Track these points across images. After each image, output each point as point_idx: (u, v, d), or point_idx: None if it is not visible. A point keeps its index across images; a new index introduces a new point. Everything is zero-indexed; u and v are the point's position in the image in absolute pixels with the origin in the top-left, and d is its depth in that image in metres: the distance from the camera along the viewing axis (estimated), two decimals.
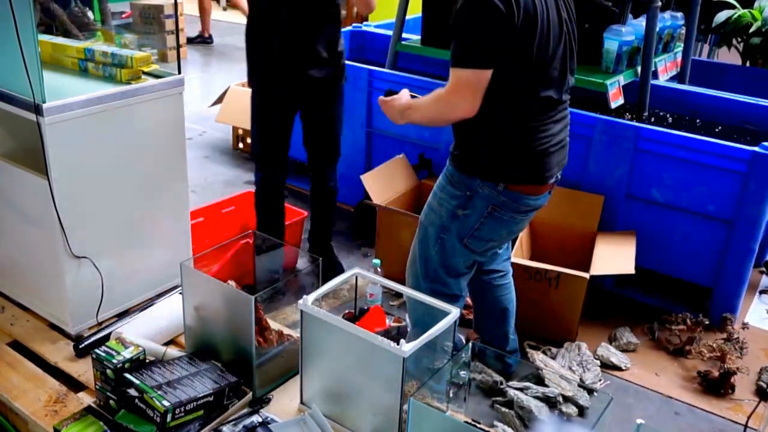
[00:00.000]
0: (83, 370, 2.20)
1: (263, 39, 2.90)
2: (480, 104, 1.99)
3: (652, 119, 3.40)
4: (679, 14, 3.78)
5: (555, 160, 2.17)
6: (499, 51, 1.96)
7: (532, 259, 3.02)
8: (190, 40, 7.60)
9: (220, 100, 4.92)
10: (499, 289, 2.51)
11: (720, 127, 3.36)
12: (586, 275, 2.73)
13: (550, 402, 2.25)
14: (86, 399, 2.09)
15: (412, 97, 2.21)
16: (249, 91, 4.87)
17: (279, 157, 3.11)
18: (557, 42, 2.04)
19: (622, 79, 3.24)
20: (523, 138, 2.08)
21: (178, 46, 5.76)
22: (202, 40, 7.77)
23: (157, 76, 2.48)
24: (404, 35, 3.80)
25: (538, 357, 2.70)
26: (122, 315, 2.47)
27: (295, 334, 2.18)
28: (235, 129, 4.84)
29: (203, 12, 7.67)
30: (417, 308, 2.29)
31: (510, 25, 1.92)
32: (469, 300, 2.88)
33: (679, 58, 3.88)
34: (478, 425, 1.93)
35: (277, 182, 3.15)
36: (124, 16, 6.49)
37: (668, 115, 3.52)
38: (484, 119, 2.05)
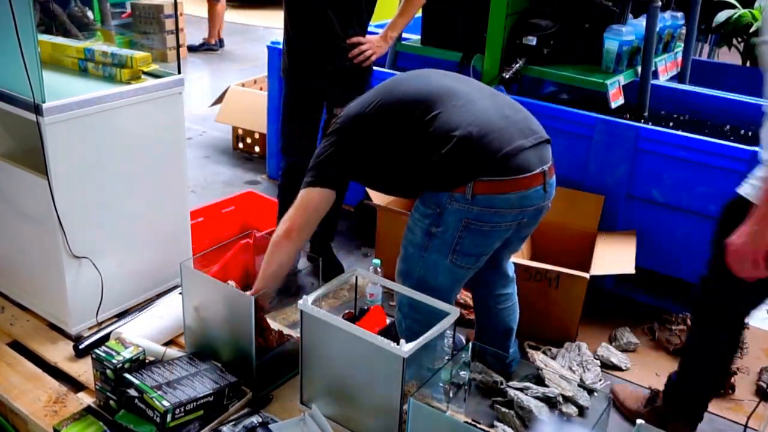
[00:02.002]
0: (83, 370, 2.20)
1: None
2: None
3: (652, 119, 3.40)
4: (680, 14, 3.78)
5: (505, 134, 1.96)
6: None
7: (532, 259, 3.02)
8: (193, 49, 7.26)
9: (220, 100, 4.92)
10: (503, 311, 2.45)
11: (720, 127, 3.36)
12: (587, 275, 2.73)
13: (550, 402, 2.25)
14: (86, 399, 2.09)
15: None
16: (249, 91, 4.87)
17: (311, 142, 3.08)
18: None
19: (622, 79, 3.23)
20: (435, 137, 1.97)
21: (178, 46, 5.75)
22: (208, 47, 7.37)
23: (156, 76, 2.48)
24: (404, 35, 3.80)
25: (538, 357, 2.70)
26: (122, 315, 2.47)
27: (295, 334, 2.18)
28: (235, 129, 4.84)
29: (215, 17, 7.21)
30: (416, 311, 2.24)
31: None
32: (469, 300, 2.88)
33: (680, 58, 3.88)
34: (478, 425, 1.93)
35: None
36: (124, 16, 6.48)
37: (668, 115, 3.52)
38: (398, 166, 2.08)
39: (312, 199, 2.09)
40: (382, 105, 2.09)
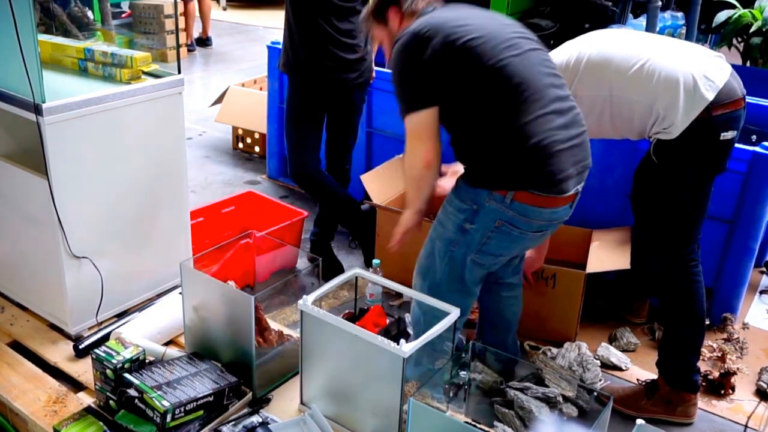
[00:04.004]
0: (83, 370, 2.20)
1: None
2: (436, 144, 2.08)
3: None
4: (680, 14, 3.79)
5: (566, 158, 2.01)
6: (435, 85, 2.03)
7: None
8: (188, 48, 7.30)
9: (219, 100, 4.92)
10: (505, 300, 2.46)
11: None
12: (583, 272, 2.74)
13: (551, 402, 2.24)
14: (86, 399, 2.09)
15: None
16: (249, 91, 4.88)
17: (316, 142, 3.16)
18: (506, 43, 2.04)
19: None
20: (514, 135, 1.99)
21: (178, 46, 5.75)
22: (201, 43, 7.47)
23: (156, 76, 2.48)
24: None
25: (538, 357, 2.70)
26: (122, 315, 2.47)
27: (295, 334, 2.18)
28: (234, 129, 4.84)
29: (189, 17, 7.21)
30: (419, 318, 2.25)
31: (434, 60, 2.00)
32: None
33: None
34: (478, 425, 1.93)
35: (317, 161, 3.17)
36: (124, 16, 6.48)
37: None
38: (470, 131, 2.06)
39: (422, 123, 2.07)
40: (477, 61, 2.02)
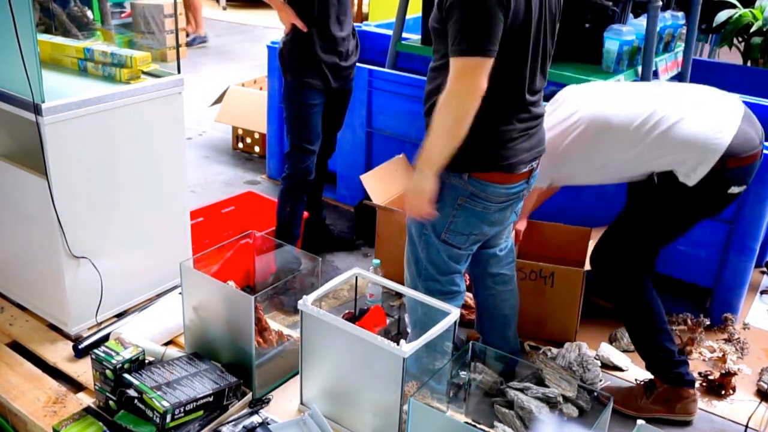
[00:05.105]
0: (82, 370, 2.20)
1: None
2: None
3: None
4: (680, 14, 3.78)
5: (520, 146, 2.10)
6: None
7: (526, 258, 3.01)
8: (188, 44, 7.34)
9: (219, 100, 4.92)
10: (501, 294, 2.50)
11: None
12: (581, 269, 2.73)
13: (551, 402, 2.24)
14: (85, 399, 2.09)
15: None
16: (249, 91, 4.88)
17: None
18: (535, 36, 2.03)
19: (622, 79, 3.23)
20: (487, 126, 2.02)
21: (178, 46, 5.75)
22: (201, 40, 7.50)
23: (156, 76, 2.47)
24: (404, 35, 3.79)
25: (538, 357, 2.70)
26: (121, 315, 2.46)
27: (295, 334, 2.18)
28: (234, 129, 4.84)
29: (191, 9, 7.28)
30: (416, 309, 2.28)
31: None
32: (470, 301, 2.88)
33: (680, 58, 3.88)
34: (478, 425, 1.93)
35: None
36: (123, 15, 6.48)
37: None
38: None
39: (485, 67, 1.89)
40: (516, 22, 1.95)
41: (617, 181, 2.47)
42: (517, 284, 2.55)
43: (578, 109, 2.38)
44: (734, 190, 2.23)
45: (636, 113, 2.26)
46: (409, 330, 2.46)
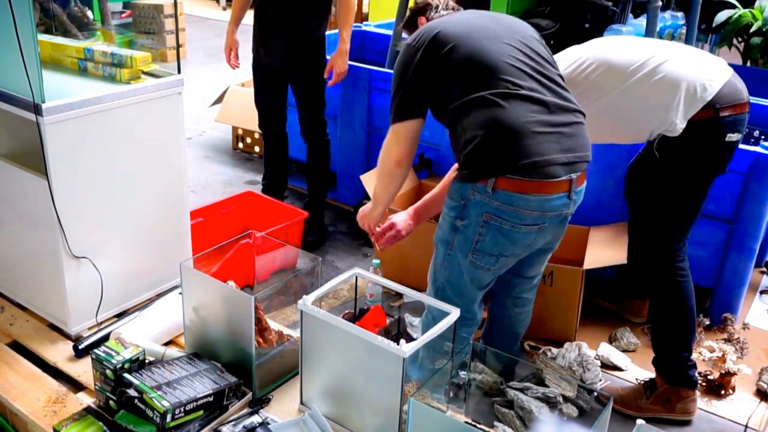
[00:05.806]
0: (83, 370, 2.20)
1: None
2: (412, 147, 2.18)
3: None
4: (680, 14, 3.78)
5: (547, 141, 1.95)
6: (423, 93, 2.12)
7: None
8: None
9: (219, 100, 4.92)
10: (518, 315, 2.42)
11: None
12: (580, 268, 2.73)
13: (551, 402, 2.24)
14: (86, 399, 2.09)
15: None
16: (249, 91, 4.88)
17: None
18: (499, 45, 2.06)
19: None
20: (491, 120, 1.97)
21: (178, 46, 5.76)
22: None
23: (156, 76, 2.48)
24: (404, 35, 3.79)
25: (538, 357, 2.70)
26: (122, 315, 2.46)
27: (295, 334, 2.18)
28: (234, 129, 4.84)
29: None
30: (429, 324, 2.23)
31: (420, 64, 2.08)
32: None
33: None
34: (478, 425, 1.93)
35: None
36: (123, 16, 6.49)
37: None
38: (453, 125, 2.08)
39: (404, 130, 2.17)
40: (457, 54, 2.06)
41: (614, 138, 2.47)
42: (533, 305, 2.46)
43: (582, 54, 2.40)
44: (732, 137, 2.25)
45: (635, 55, 2.31)
46: (409, 330, 2.46)
